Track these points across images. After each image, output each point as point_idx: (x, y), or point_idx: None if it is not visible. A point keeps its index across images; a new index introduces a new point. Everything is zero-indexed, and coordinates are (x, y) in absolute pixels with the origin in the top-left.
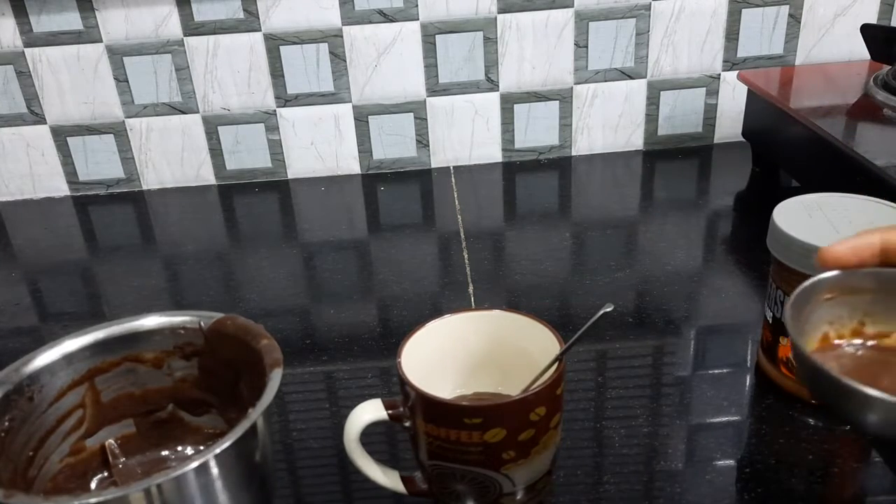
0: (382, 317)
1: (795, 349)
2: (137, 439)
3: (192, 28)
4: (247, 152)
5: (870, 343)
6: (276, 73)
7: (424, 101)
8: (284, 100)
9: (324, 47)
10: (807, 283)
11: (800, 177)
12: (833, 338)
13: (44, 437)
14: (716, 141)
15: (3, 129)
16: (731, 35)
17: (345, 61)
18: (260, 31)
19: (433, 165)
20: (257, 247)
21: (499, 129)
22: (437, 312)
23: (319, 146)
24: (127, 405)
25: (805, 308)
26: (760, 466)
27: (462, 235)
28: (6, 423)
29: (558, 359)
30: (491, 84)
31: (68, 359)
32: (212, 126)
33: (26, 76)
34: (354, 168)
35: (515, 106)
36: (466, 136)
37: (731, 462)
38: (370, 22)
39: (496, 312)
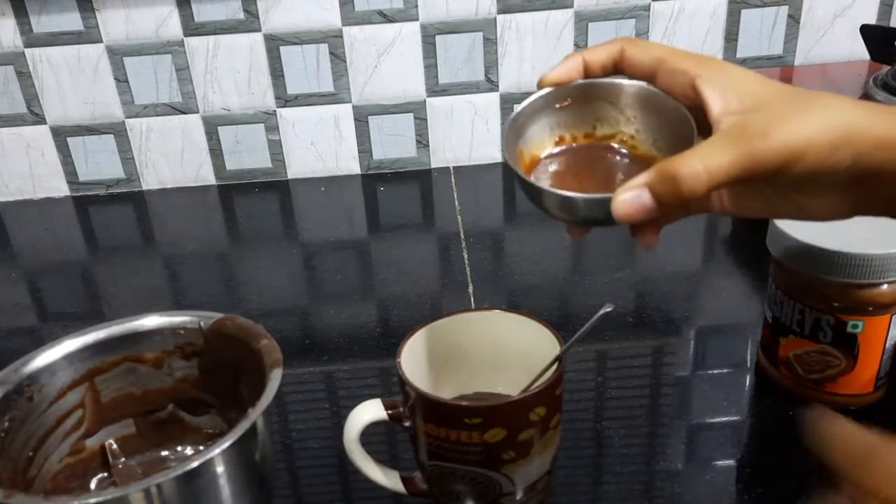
0: (382, 317)
1: (506, 158)
2: (137, 439)
3: (193, 28)
4: (247, 152)
5: (597, 142)
6: (276, 73)
7: (424, 101)
8: (284, 100)
9: (324, 48)
10: (533, 99)
11: None
12: (568, 140)
13: (44, 437)
14: None
15: (3, 130)
16: (731, 35)
17: (345, 62)
18: (260, 31)
19: (433, 165)
20: (257, 247)
21: (499, 130)
22: (437, 312)
23: (319, 146)
24: (127, 405)
25: (538, 119)
26: (760, 466)
27: (462, 235)
28: (6, 423)
29: (558, 359)
30: (491, 84)
31: (68, 359)
32: (212, 126)
33: (26, 76)
34: (354, 168)
35: (516, 106)
36: (466, 136)
37: (731, 462)
38: (370, 22)
39: (496, 312)
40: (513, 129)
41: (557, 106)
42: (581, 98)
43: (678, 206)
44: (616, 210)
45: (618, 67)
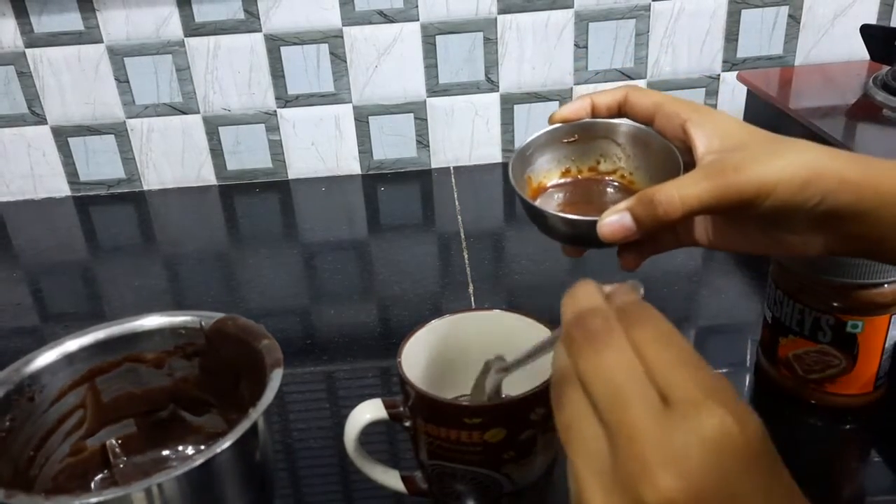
0: (382, 317)
1: (515, 190)
2: (138, 439)
3: (193, 29)
4: (247, 152)
5: (598, 175)
6: (277, 73)
7: (424, 101)
8: (285, 100)
9: (324, 48)
10: (543, 132)
11: None
12: (574, 172)
13: (45, 436)
14: None
15: (4, 130)
16: (731, 36)
17: (345, 62)
18: (260, 31)
19: (433, 165)
20: (257, 247)
21: (499, 130)
22: (437, 312)
23: (320, 146)
24: (128, 405)
25: (546, 151)
26: None
27: (462, 235)
28: (7, 423)
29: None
30: (491, 84)
31: (69, 359)
32: (212, 126)
33: (27, 76)
34: (355, 168)
35: (515, 106)
36: (466, 136)
37: None
38: (370, 22)
39: (496, 312)
40: (522, 157)
41: (565, 141)
42: (587, 135)
43: (656, 227)
44: (601, 230)
45: (622, 110)
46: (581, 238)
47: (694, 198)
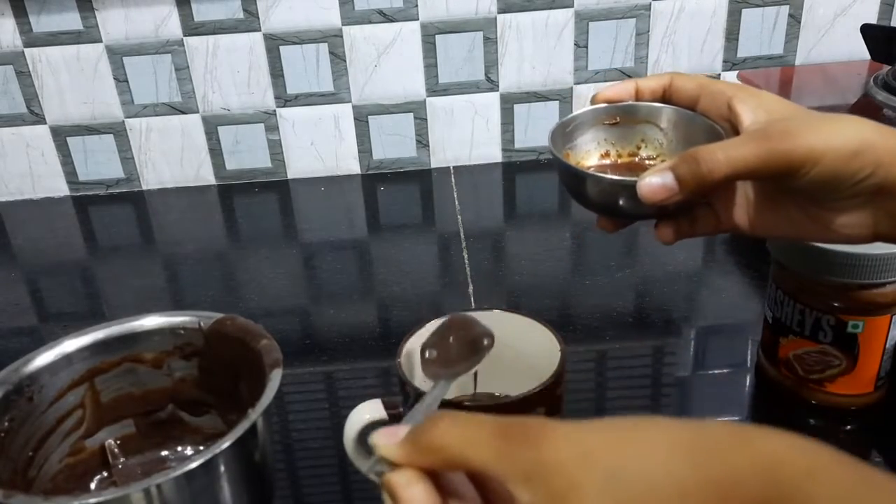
0: (382, 317)
1: (553, 155)
2: (137, 439)
3: (192, 28)
4: (247, 152)
5: (637, 160)
6: (276, 73)
7: (424, 101)
8: (284, 100)
9: (323, 47)
10: (585, 109)
11: None
12: (613, 155)
13: (43, 437)
14: None
15: (2, 129)
16: (731, 35)
17: (345, 61)
18: (260, 31)
19: (433, 165)
20: (257, 247)
21: (499, 129)
22: (437, 312)
23: (319, 146)
24: (127, 405)
25: (587, 130)
26: None
27: (462, 235)
28: (6, 424)
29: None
30: (491, 84)
31: (68, 359)
32: (211, 126)
33: (26, 76)
34: (354, 168)
35: (515, 106)
36: (466, 136)
37: None
38: (370, 22)
39: (496, 312)
40: (563, 131)
41: (607, 122)
42: (629, 118)
43: (700, 189)
44: (641, 190)
45: (666, 94)
46: (619, 204)
47: (740, 159)
